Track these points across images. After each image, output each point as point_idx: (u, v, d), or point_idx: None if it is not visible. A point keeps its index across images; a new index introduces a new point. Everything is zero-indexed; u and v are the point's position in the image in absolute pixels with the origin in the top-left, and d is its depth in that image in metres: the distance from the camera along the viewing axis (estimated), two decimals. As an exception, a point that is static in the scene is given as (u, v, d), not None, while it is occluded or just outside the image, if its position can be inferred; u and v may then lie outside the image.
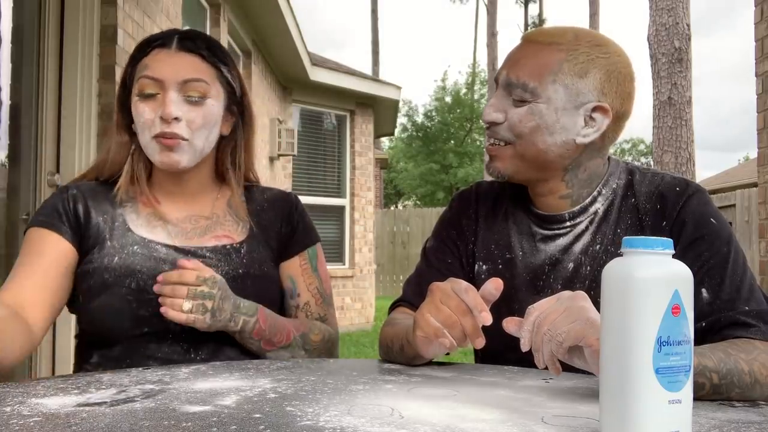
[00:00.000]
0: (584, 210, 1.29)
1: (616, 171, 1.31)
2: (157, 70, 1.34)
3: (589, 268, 1.26)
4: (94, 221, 1.37)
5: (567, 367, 0.97)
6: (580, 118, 1.23)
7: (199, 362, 1.31)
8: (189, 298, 1.24)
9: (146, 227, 1.39)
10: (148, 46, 1.39)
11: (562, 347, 0.92)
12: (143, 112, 1.34)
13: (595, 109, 1.23)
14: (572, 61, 1.22)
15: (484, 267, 1.36)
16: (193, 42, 1.38)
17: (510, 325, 1.00)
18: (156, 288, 1.26)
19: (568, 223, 1.30)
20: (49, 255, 1.32)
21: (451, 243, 1.40)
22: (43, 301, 1.28)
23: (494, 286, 1.05)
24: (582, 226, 1.29)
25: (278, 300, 1.46)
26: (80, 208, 1.37)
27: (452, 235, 1.41)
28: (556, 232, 1.30)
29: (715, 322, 1.13)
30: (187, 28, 1.46)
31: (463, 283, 1.06)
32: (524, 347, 0.97)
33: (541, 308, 0.96)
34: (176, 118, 1.32)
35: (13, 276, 1.30)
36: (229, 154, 1.47)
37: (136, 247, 1.35)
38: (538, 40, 1.26)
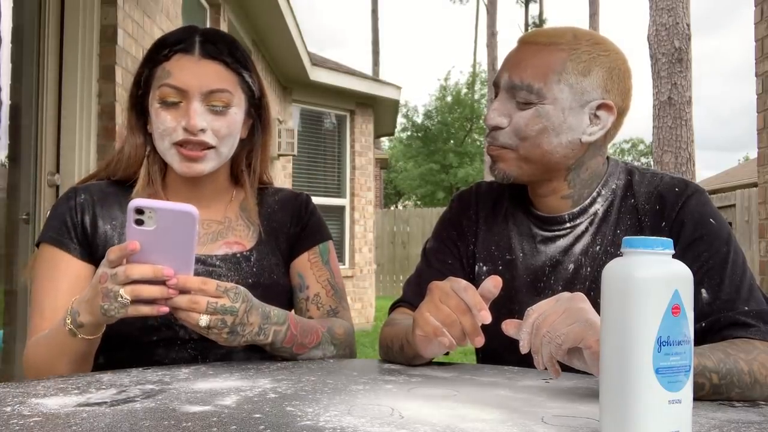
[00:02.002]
0: (584, 211, 1.29)
1: (615, 171, 1.31)
2: (181, 80, 1.31)
3: (589, 269, 1.26)
4: (101, 230, 1.35)
5: (567, 367, 0.97)
6: (585, 116, 1.23)
7: None
8: (208, 312, 1.11)
9: None
10: (166, 48, 1.34)
11: (561, 349, 0.91)
12: (165, 120, 1.31)
13: (599, 107, 1.23)
14: (575, 60, 1.22)
15: (484, 268, 1.36)
16: (215, 46, 1.35)
17: (509, 327, 1.00)
18: (169, 295, 1.10)
19: (567, 225, 1.30)
20: (66, 279, 1.30)
21: (451, 243, 1.40)
22: None
23: (493, 284, 1.04)
24: (582, 227, 1.29)
25: (287, 308, 1.42)
26: (87, 219, 1.35)
27: (452, 235, 1.41)
28: (556, 233, 1.30)
29: (714, 323, 1.13)
30: (207, 26, 1.41)
31: (462, 282, 1.06)
32: (523, 349, 0.97)
33: (540, 310, 0.96)
34: (201, 130, 1.30)
35: (42, 302, 1.29)
36: (245, 157, 1.45)
37: None
38: (538, 41, 1.25)
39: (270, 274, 1.40)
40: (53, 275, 1.31)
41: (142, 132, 1.39)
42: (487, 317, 1.02)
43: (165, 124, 1.31)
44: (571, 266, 1.28)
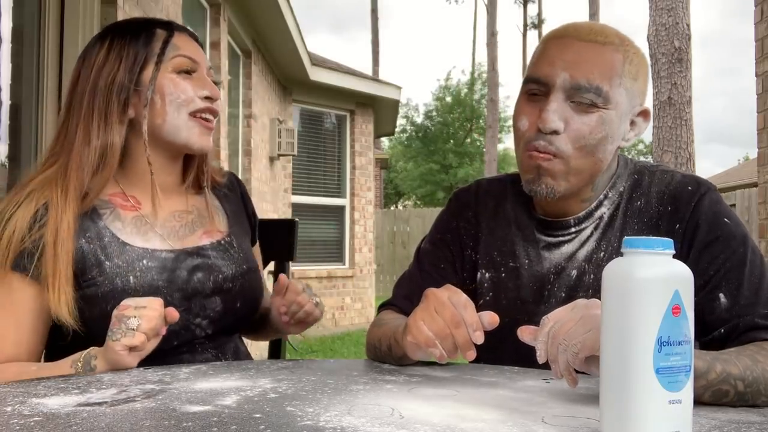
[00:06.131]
0: (590, 215, 1.24)
1: (623, 173, 1.26)
2: (190, 51, 1.35)
3: (592, 276, 1.22)
4: (76, 247, 1.25)
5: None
6: (628, 122, 1.21)
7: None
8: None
9: (137, 235, 1.30)
10: (156, 27, 1.33)
11: (578, 358, 0.89)
12: (186, 90, 1.31)
13: (639, 113, 1.21)
14: (630, 64, 1.17)
15: (487, 275, 1.31)
16: (188, 31, 1.40)
17: (524, 334, 0.97)
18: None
19: (573, 229, 1.25)
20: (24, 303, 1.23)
21: (445, 247, 1.36)
22: (36, 347, 1.26)
23: (489, 321, 1.03)
24: (587, 232, 1.24)
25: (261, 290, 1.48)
26: None
27: (447, 239, 1.37)
28: (561, 239, 1.25)
29: (733, 328, 1.09)
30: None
31: (463, 297, 1.04)
32: (540, 359, 0.94)
33: (555, 318, 0.94)
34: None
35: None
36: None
37: (145, 261, 1.28)
38: (596, 39, 1.16)
39: (252, 258, 1.44)
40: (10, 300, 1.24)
41: (124, 124, 1.30)
42: (480, 338, 1.02)
43: (187, 93, 1.31)
44: (574, 272, 1.23)
